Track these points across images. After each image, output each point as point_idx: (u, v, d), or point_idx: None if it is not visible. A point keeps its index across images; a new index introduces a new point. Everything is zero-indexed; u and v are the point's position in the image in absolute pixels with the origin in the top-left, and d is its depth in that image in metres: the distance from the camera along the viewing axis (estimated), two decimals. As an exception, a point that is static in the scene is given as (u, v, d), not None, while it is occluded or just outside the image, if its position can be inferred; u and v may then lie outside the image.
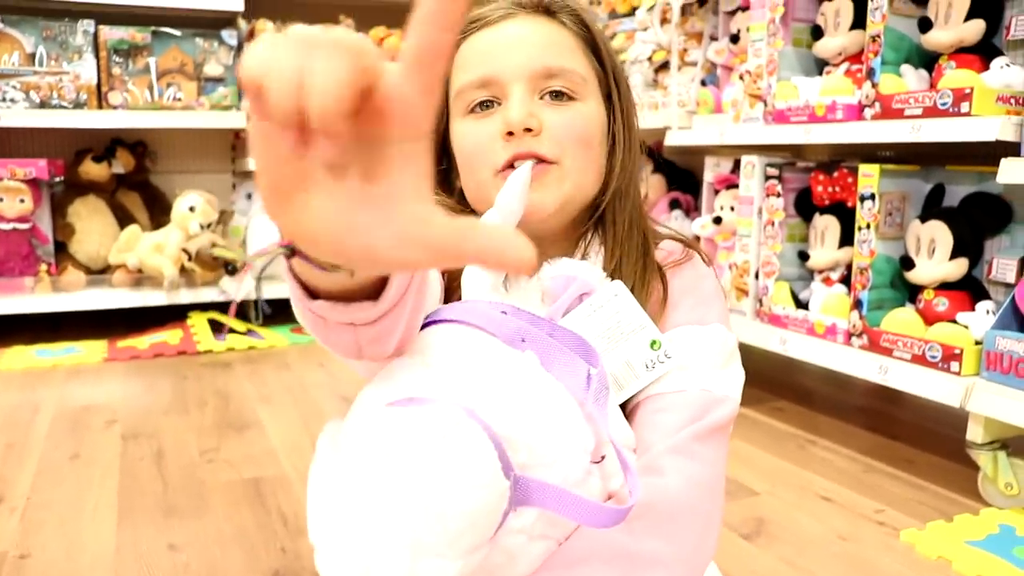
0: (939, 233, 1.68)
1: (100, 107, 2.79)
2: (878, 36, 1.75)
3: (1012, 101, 1.56)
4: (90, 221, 2.84)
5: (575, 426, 0.62)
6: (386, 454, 0.54)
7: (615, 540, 0.65)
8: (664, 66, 2.54)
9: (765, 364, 2.26)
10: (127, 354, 2.56)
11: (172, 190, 3.01)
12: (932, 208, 1.76)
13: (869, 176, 1.76)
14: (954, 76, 1.65)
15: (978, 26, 1.64)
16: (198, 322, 2.89)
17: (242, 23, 3.04)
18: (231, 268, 2.84)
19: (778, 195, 2.02)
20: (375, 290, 0.53)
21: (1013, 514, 1.50)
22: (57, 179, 2.82)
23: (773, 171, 2.04)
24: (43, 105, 2.70)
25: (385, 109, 0.38)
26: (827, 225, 1.94)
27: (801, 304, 2.00)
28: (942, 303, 1.68)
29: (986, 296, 1.68)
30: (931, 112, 1.62)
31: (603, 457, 0.64)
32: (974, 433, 1.55)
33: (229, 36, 2.93)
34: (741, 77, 2.17)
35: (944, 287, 1.70)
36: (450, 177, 0.86)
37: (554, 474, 0.59)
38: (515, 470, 0.56)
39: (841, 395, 2.26)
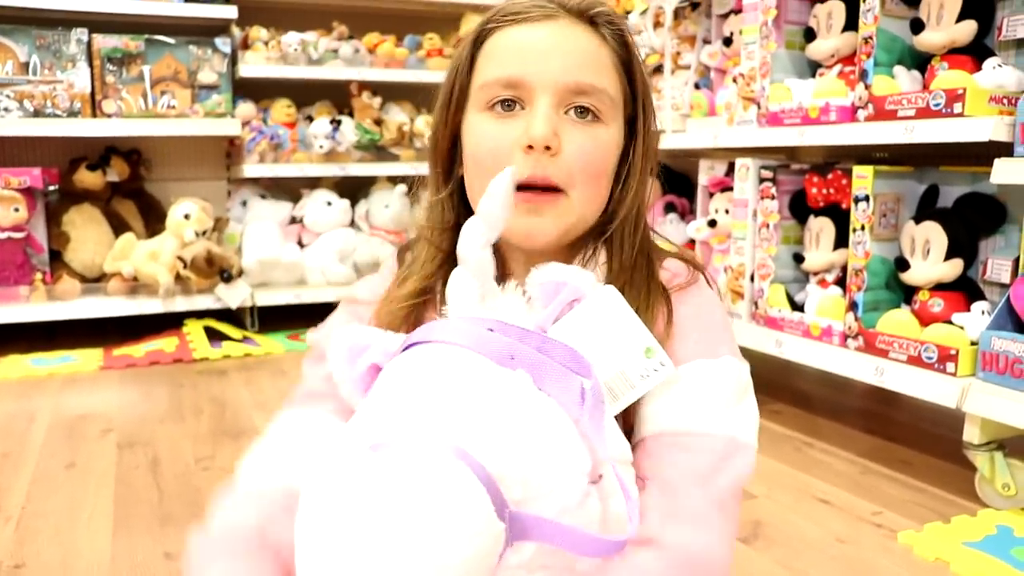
0: (934, 234, 1.68)
1: (94, 115, 2.79)
2: (870, 38, 1.76)
3: (1005, 101, 1.56)
4: (85, 229, 2.83)
5: (571, 448, 0.60)
6: (377, 508, 0.52)
7: None
8: (657, 70, 2.54)
9: (761, 367, 2.25)
10: (123, 362, 2.55)
11: (167, 198, 3.01)
12: (926, 209, 1.76)
13: (863, 178, 1.77)
14: (947, 77, 1.65)
15: (970, 27, 1.65)
16: (194, 330, 2.88)
17: (236, 30, 3.04)
18: (226, 275, 2.83)
19: (772, 197, 2.03)
20: None
21: (1010, 515, 1.49)
22: (52, 188, 2.81)
23: (767, 173, 2.04)
24: (37, 114, 2.70)
25: None
26: (822, 227, 1.94)
27: (797, 306, 2.00)
28: (937, 304, 1.68)
29: (981, 296, 1.68)
30: (924, 113, 1.63)
31: (600, 476, 0.62)
32: (971, 434, 1.55)
33: (223, 43, 2.93)
34: (734, 80, 2.17)
35: (939, 288, 1.70)
36: (453, 166, 0.84)
37: (551, 503, 0.58)
38: (510, 507, 0.55)
39: (838, 397, 2.26)
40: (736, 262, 2.13)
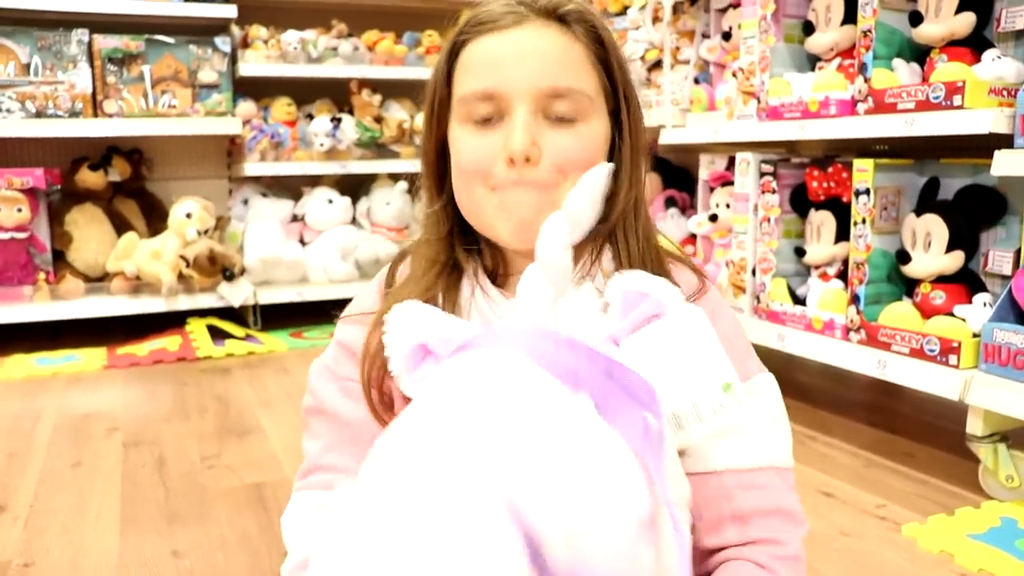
0: (935, 226, 1.69)
1: (95, 115, 2.80)
2: (869, 31, 1.76)
3: (1004, 93, 1.56)
4: (87, 229, 2.84)
5: (629, 493, 0.54)
6: (409, 553, 0.48)
7: None
8: (657, 65, 2.55)
9: (764, 361, 2.26)
10: (127, 361, 2.56)
11: (168, 197, 3.01)
12: (927, 201, 1.77)
13: (864, 171, 1.77)
14: (946, 69, 1.65)
15: (969, 19, 1.65)
16: (197, 328, 2.89)
17: (235, 29, 3.05)
18: (229, 274, 2.84)
19: (773, 191, 2.03)
20: None
21: (1014, 506, 1.50)
22: (54, 188, 2.82)
23: (768, 168, 2.04)
24: (39, 115, 2.71)
25: None
26: (823, 220, 1.95)
27: (798, 300, 2.01)
28: (939, 296, 1.68)
29: (983, 288, 1.68)
30: (924, 106, 1.63)
31: (655, 521, 0.57)
32: (974, 426, 1.55)
33: (223, 43, 2.93)
34: (734, 74, 2.17)
35: (941, 280, 1.70)
36: (446, 181, 0.84)
37: (599, 559, 0.51)
38: (549, 571, 0.49)
39: (840, 390, 2.27)
40: (737, 256, 2.13)
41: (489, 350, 0.59)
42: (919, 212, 1.73)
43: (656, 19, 2.51)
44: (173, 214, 2.83)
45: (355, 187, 3.29)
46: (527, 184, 0.75)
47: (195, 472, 1.70)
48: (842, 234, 1.90)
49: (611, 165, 0.69)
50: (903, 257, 1.73)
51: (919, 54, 1.78)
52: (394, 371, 0.69)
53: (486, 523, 0.48)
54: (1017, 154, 1.47)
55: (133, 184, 3.05)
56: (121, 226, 2.92)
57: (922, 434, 1.88)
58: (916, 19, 1.71)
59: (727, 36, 2.26)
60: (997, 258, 1.65)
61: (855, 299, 1.80)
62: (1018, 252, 1.60)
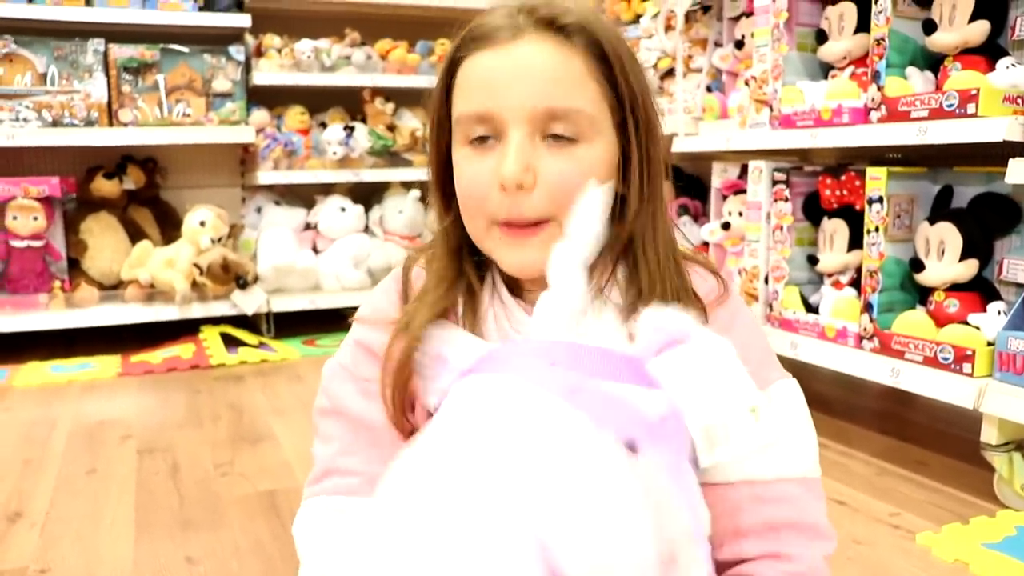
0: (948, 234, 1.68)
1: (111, 124, 2.82)
2: (882, 39, 1.76)
3: (1019, 101, 1.56)
4: (102, 237, 2.86)
5: (650, 529, 0.52)
6: None
7: None
8: (669, 73, 2.55)
9: (777, 368, 2.25)
10: (141, 369, 2.57)
11: (182, 205, 3.03)
12: (941, 210, 1.76)
13: (877, 179, 1.77)
14: (960, 77, 1.65)
15: (983, 27, 1.65)
16: (210, 336, 2.90)
17: (249, 39, 3.07)
18: (242, 282, 2.85)
19: (786, 199, 2.03)
20: None
21: (1029, 515, 1.49)
22: (69, 196, 2.84)
23: (780, 176, 2.04)
24: (55, 124, 2.73)
25: None
26: (836, 229, 1.94)
27: (811, 308, 2.00)
28: (953, 304, 1.68)
29: (997, 297, 1.68)
30: (937, 114, 1.63)
31: (674, 556, 0.55)
32: (988, 434, 1.54)
33: (236, 52, 2.95)
34: (746, 83, 2.18)
35: (955, 288, 1.70)
36: (453, 197, 0.81)
37: None
38: None
39: (853, 398, 2.26)
40: (750, 264, 2.13)
41: (514, 375, 0.57)
42: (933, 220, 1.73)
43: (668, 27, 2.51)
44: (187, 222, 2.85)
45: (368, 195, 3.30)
46: (517, 221, 0.73)
47: (209, 479, 1.70)
48: (855, 242, 1.89)
49: (607, 185, 0.68)
50: (917, 265, 1.72)
51: (933, 62, 1.78)
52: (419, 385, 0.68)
53: (516, 562, 0.48)
54: (1031, 162, 1.47)
55: (147, 192, 3.08)
56: (135, 234, 2.94)
57: (936, 442, 1.87)
58: (930, 27, 1.71)
59: (740, 44, 2.27)
60: (1011, 266, 1.64)
61: (868, 307, 1.79)
62: (1033, 260, 1.60)
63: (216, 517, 1.52)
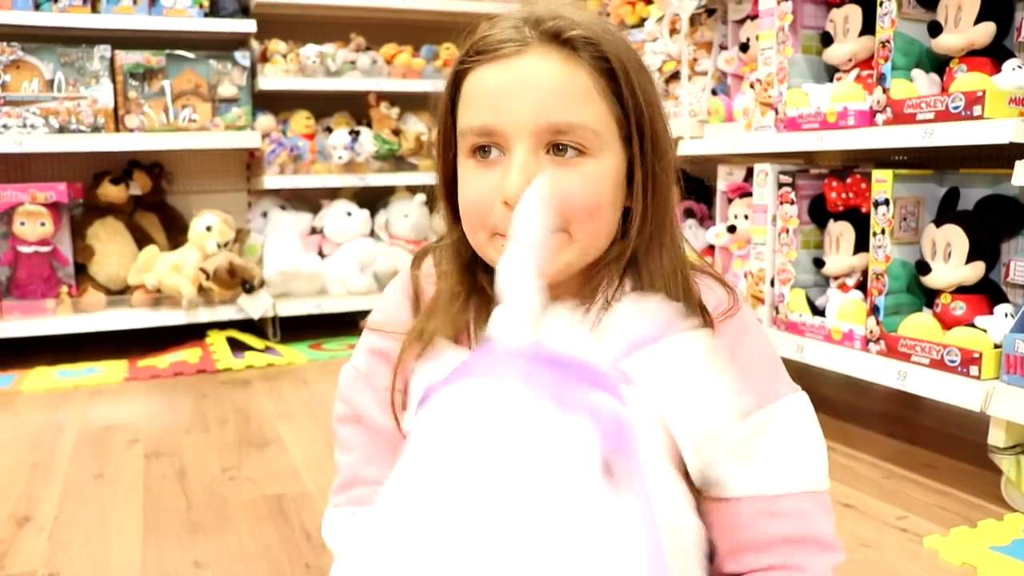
0: (955, 237, 1.68)
1: (117, 130, 2.83)
2: (888, 41, 1.76)
3: (1025, 103, 1.56)
4: (109, 242, 2.87)
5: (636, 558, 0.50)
6: None
7: None
8: (674, 76, 2.55)
9: (783, 371, 2.25)
10: (147, 373, 2.58)
11: (189, 210, 3.05)
12: (947, 212, 1.76)
13: (883, 181, 1.77)
14: (966, 79, 1.65)
15: (988, 29, 1.65)
16: (217, 340, 2.91)
17: (255, 44, 3.08)
18: (248, 286, 2.86)
19: (792, 202, 2.03)
20: None
21: (1037, 518, 1.49)
22: (76, 202, 2.86)
23: (786, 179, 2.04)
24: (62, 130, 2.74)
25: None
26: (842, 231, 1.94)
27: (817, 311, 2.00)
28: (960, 307, 1.68)
29: (1004, 299, 1.67)
30: (943, 116, 1.63)
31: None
32: (996, 437, 1.54)
33: (242, 57, 2.96)
34: (752, 86, 2.18)
35: (961, 291, 1.69)
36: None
37: None
38: None
39: (860, 401, 2.25)
40: (756, 267, 2.13)
41: (487, 387, 0.53)
42: (939, 222, 1.73)
43: (673, 31, 2.51)
44: (193, 227, 2.86)
45: (373, 200, 3.30)
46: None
47: (216, 483, 1.71)
48: (861, 245, 1.89)
49: (544, 179, 0.63)
50: (923, 268, 1.72)
51: (938, 64, 1.78)
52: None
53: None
54: (1038, 164, 1.47)
55: (154, 198, 3.09)
56: (142, 239, 2.95)
57: (943, 445, 1.87)
58: (935, 29, 1.71)
59: (744, 47, 2.27)
60: (1018, 268, 1.64)
61: (874, 310, 1.79)
62: (1040, 262, 1.60)
63: (223, 521, 1.52)
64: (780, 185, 2.06)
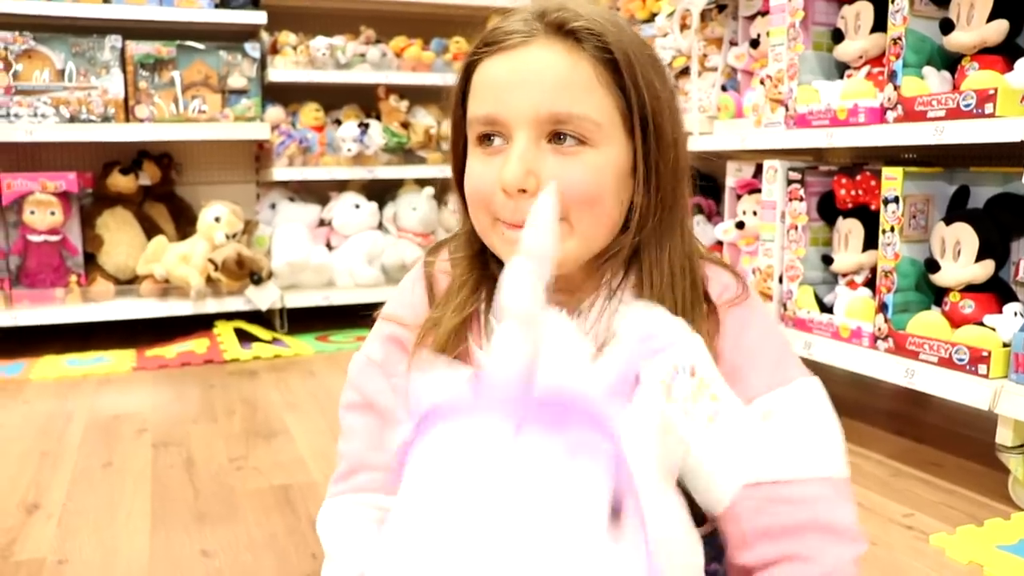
0: (964, 235, 1.68)
1: (127, 120, 2.84)
2: (899, 38, 1.75)
3: (1037, 102, 1.55)
4: (118, 232, 2.88)
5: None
6: None
7: None
8: (684, 72, 2.55)
9: (790, 368, 2.24)
10: (155, 363, 2.59)
11: (197, 201, 3.05)
12: (957, 210, 1.76)
13: (892, 179, 1.76)
14: (977, 77, 1.64)
15: (1001, 26, 1.64)
16: (224, 331, 2.92)
17: (265, 36, 3.08)
18: (256, 278, 2.87)
19: (801, 199, 2.02)
20: None
21: (1044, 517, 1.49)
22: (86, 192, 2.87)
23: (795, 175, 2.04)
24: (72, 119, 2.75)
25: None
26: (850, 228, 1.94)
27: (825, 308, 2.00)
28: (968, 305, 1.67)
29: (1013, 298, 1.67)
30: (954, 114, 1.62)
31: None
32: (1003, 436, 1.54)
33: (252, 49, 2.97)
34: (762, 82, 2.17)
35: (970, 289, 1.69)
36: None
37: None
38: None
39: (867, 399, 2.25)
40: (764, 264, 2.13)
41: (489, 426, 0.51)
42: (949, 220, 1.72)
43: (684, 26, 2.51)
44: (202, 218, 2.87)
45: (382, 192, 3.31)
46: (519, 228, 0.71)
47: (223, 473, 1.71)
48: (870, 242, 1.89)
49: (553, 191, 0.60)
50: (932, 266, 1.72)
51: (950, 62, 1.77)
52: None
53: None
54: (1049, 163, 1.46)
55: (163, 188, 3.10)
56: (151, 230, 2.96)
57: (950, 444, 1.86)
58: (947, 27, 1.70)
59: (755, 43, 2.26)
60: (1028, 267, 1.64)
61: (883, 307, 1.79)
62: (1050, 261, 1.59)
63: (231, 511, 1.53)
64: (789, 182, 2.06)
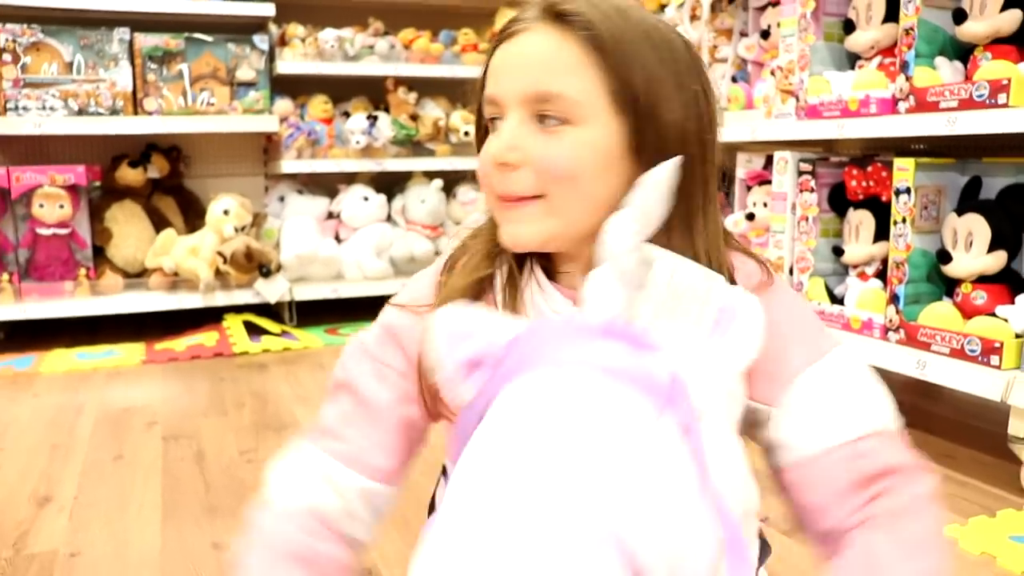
0: (976, 226, 1.67)
1: (136, 113, 2.84)
2: (911, 29, 1.74)
3: (1051, 92, 1.54)
4: (127, 225, 2.88)
5: (711, 514, 0.56)
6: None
7: None
8: (694, 63, 2.53)
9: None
10: (165, 356, 2.59)
11: (206, 194, 3.05)
12: (969, 201, 1.75)
13: (904, 170, 1.75)
14: (990, 67, 1.63)
15: (1014, 16, 1.63)
16: (233, 324, 2.92)
17: (273, 27, 3.08)
18: (265, 270, 2.87)
19: (811, 190, 2.01)
20: None
21: (1056, 509, 1.48)
22: (95, 185, 2.88)
23: (806, 166, 2.03)
24: (81, 112, 2.75)
25: None
26: (861, 220, 1.93)
27: (836, 299, 1.99)
28: (980, 296, 1.66)
29: (1026, 289, 1.66)
30: (967, 104, 1.61)
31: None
32: (1016, 427, 1.53)
33: (260, 41, 2.96)
34: (772, 73, 2.16)
35: (982, 280, 1.68)
36: None
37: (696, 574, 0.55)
38: None
39: (877, 391, 2.24)
40: (775, 255, 2.12)
41: (564, 367, 0.58)
42: (960, 211, 1.71)
43: (694, 17, 2.50)
44: (211, 211, 2.87)
45: (390, 185, 3.31)
46: (505, 198, 0.76)
47: (234, 466, 1.72)
48: (881, 233, 1.88)
49: (675, 161, 0.66)
50: (944, 257, 1.71)
51: (962, 52, 1.76)
52: (440, 380, 0.67)
53: (594, 557, 0.50)
54: (1063, 153, 1.45)
55: (171, 181, 3.10)
56: (159, 222, 2.96)
57: (962, 435, 1.86)
58: (960, 16, 1.69)
59: (766, 34, 2.25)
60: (1041, 258, 1.63)
61: (894, 298, 1.78)
62: (1063, 252, 1.58)
63: (241, 503, 1.53)
64: (800, 173, 2.05)
